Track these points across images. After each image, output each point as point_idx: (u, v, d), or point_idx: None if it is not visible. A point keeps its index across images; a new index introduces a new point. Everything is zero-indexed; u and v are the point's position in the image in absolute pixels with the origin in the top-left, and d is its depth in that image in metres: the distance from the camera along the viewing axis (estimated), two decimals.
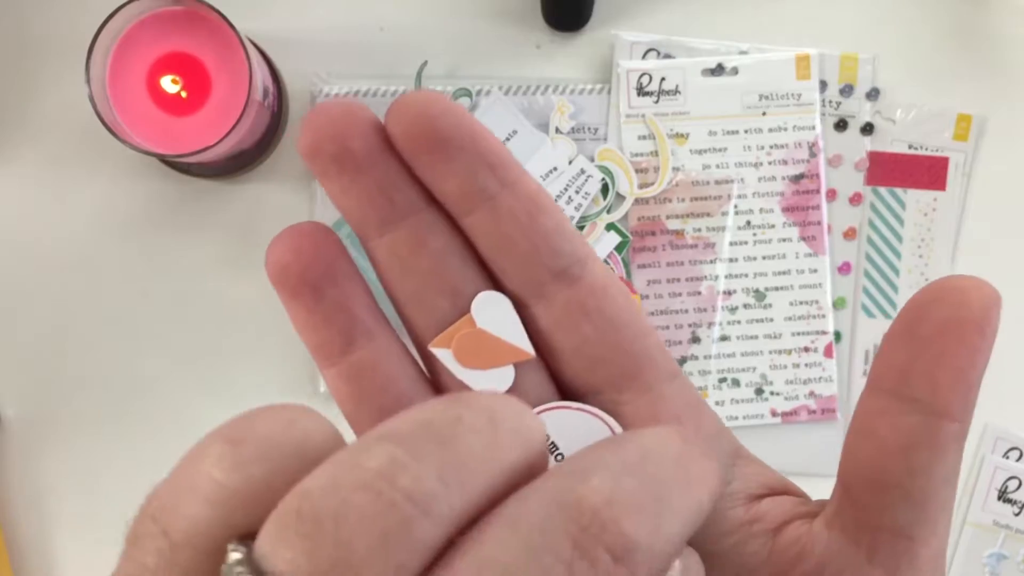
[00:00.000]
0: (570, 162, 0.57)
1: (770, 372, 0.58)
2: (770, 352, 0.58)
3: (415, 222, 0.22)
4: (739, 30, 0.59)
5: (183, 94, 0.52)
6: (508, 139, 0.57)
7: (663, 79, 0.58)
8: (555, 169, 0.57)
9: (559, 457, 0.22)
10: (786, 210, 0.58)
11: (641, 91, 0.58)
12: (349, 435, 0.22)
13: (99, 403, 0.59)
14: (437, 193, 0.22)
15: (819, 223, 0.58)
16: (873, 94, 0.59)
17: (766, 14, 0.59)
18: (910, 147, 0.59)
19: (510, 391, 0.22)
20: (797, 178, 0.58)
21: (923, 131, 0.59)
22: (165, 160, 0.57)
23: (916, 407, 0.21)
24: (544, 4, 0.58)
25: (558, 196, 0.57)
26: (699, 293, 0.58)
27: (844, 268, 0.59)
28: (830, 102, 0.58)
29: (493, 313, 0.22)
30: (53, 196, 0.58)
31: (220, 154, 0.53)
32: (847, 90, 0.58)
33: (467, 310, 0.22)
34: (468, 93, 0.57)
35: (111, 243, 0.58)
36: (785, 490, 0.23)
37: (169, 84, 0.52)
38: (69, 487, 0.59)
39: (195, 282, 0.59)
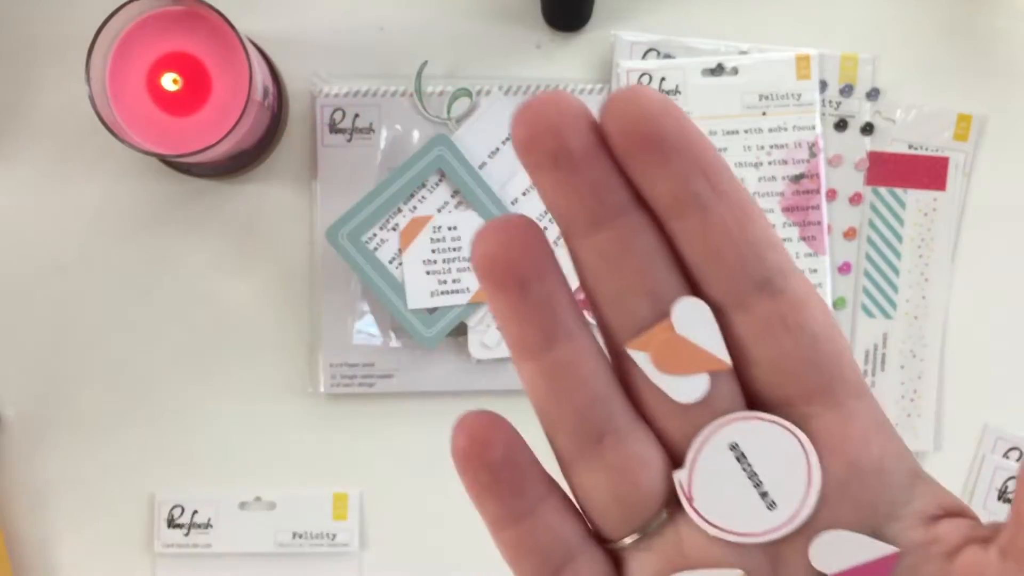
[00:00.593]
0: None
1: None
2: None
3: (624, 223, 0.22)
4: (739, 30, 0.59)
5: (179, 81, 0.52)
6: (508, 139, 0.57)
7: (663, 79, 0.58)
8: None
9: (747, 467, 0.22)
10: (786, 210, 0.58)
11: None
12: (537, 431, 0.23)
13: (99, 403, 0.59)
14: (648, 195, 0.22)
15: (819, 223, 0.58)
16: (873, 94, 0.59)
17: (766, 14, 0.59)
18: (910, 147, 0.59)
19: (704, 399, 0.22)
20: (797, 178, 0.58)
21: (923, 131, 0.59)
22: (165, 160, 0.57)
23: None
24: (544, 4, 0.58)
25: None
26: None
27: (844, 268, 0.59)
28: (830, 102, 0.58)
29: (693, 320, 0.22)
30: (53, 195, 0.58)
31: (220, 154, 0.53)
32: (847, 90, 0.58)
33: (666, 314, 0.22)
34: (468, 93, 0.57)
35: (111, 243, 0.59)
36: (961, 512, 0.23)
37: (169, 82, 0.52)
38: (69, 486, 0.59)
39: (195, 281, 0.59)
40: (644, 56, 0.58)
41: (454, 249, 0.57)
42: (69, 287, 0.59)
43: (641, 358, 0.22)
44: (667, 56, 0.58)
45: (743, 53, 0.58)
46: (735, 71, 0.58)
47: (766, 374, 0.22)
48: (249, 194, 0.59)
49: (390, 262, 0.56)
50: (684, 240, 0.22)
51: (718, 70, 0.58)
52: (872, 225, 0.59)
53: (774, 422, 0.22)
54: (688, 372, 0.22)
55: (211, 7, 0.50)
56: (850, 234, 0.59)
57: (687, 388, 0.22)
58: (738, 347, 0.22)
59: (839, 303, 0.59)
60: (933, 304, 0.59)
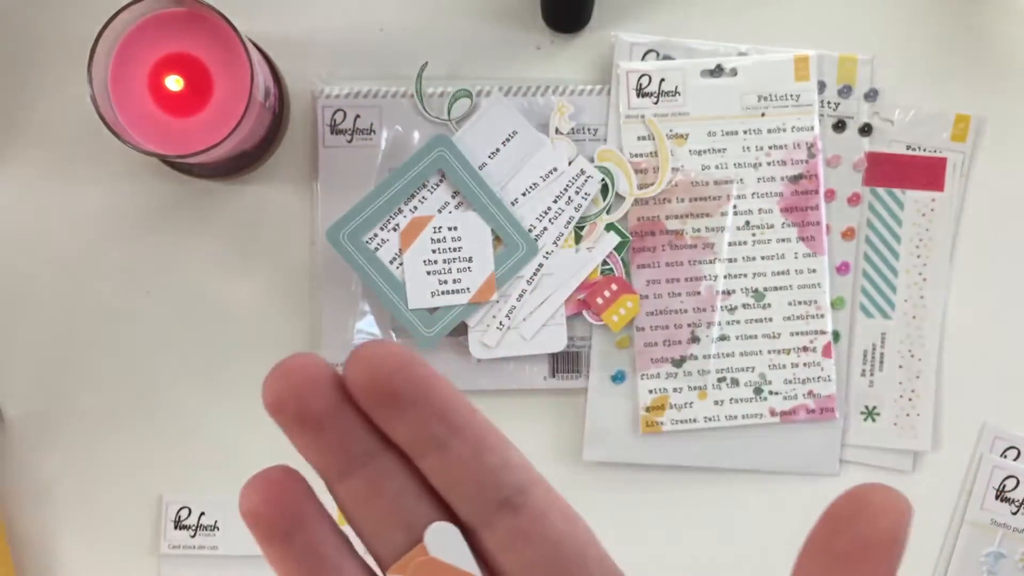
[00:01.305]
0: (570, 163, 0.58)
1: (769, 372, 0.59)
2: (769, 352, 0.59)
3: (372, 469, 0.24)
4: (738, 31, 0.59)
5: (181, 82, 0.52)
6: (508, 140, 0.57)
7: (662, 80, 0.58)
8: (555, 170, 0.57)
9: None
10: (785, 210, 0.58)
11: (641, 92, 0.58)
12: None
13: (101, 402, 0.59)
14: (392, 439, 0.24)
15: (818, 223, 0.58)
16: (871, 95, 0.59)
17: (765, 15, 0.59)
18: (908, 148, 0.59)
19: None
20: (796, 178, 0.58)
21: (921, 132, 0.59)
22: (167, 161, 0.58)
23: None
24: (544, 5, 0.58)
25: (557, 197, 0.58)
26: (698, 293, 0.58)
27: (843, 268, 0.59)
28: (829, 103, 0.59)
29: (444, 541, 0.24)
30: (55, 196, 0.58)
31: (221, 155, 0.53)
32: (845, 91, 0.59)
33: (421, 540, 0.24)
34: (468, 94, 0.58)
35: (113, 243, 0.59)
36: None
37: (171, 83, 0.52)
38: (71, 486, 0.59)
39: (196, 282, 0.59)
40: (644, 57, 0.58)
41: (454, 249, 0.57)
42: (71, 287, 0.59)
43: None
44: (667, 57, 0.58)
45: (742, 54, 0.58)
46: (734, 72, 0.58)
47: None
48: (250, 195, 0.59)
49: (391, 262, 0.57)
50: (429, 473, 0.24)
51: (717, 71, 0.58)
52: (870, 225, 0.59)
53: None
54: None
55: (213, 8, 0.50)
56: (848, 234, 0.59)
57: None
58: (489, 561, 0.25)
59: (838, 303, 0.59)
60: (931, 304, 0.59)
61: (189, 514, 0.58)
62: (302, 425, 0.24)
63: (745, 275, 0.58)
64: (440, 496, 0.25)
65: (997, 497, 0.59)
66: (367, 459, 0.24)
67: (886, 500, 0.22)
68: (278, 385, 0.23)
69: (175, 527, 0.58)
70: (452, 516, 0.25)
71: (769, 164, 0.58)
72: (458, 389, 0.24)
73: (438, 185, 0.57)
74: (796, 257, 0.58)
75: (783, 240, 0.58)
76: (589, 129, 0.58)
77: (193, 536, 0.58)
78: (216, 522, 0.58)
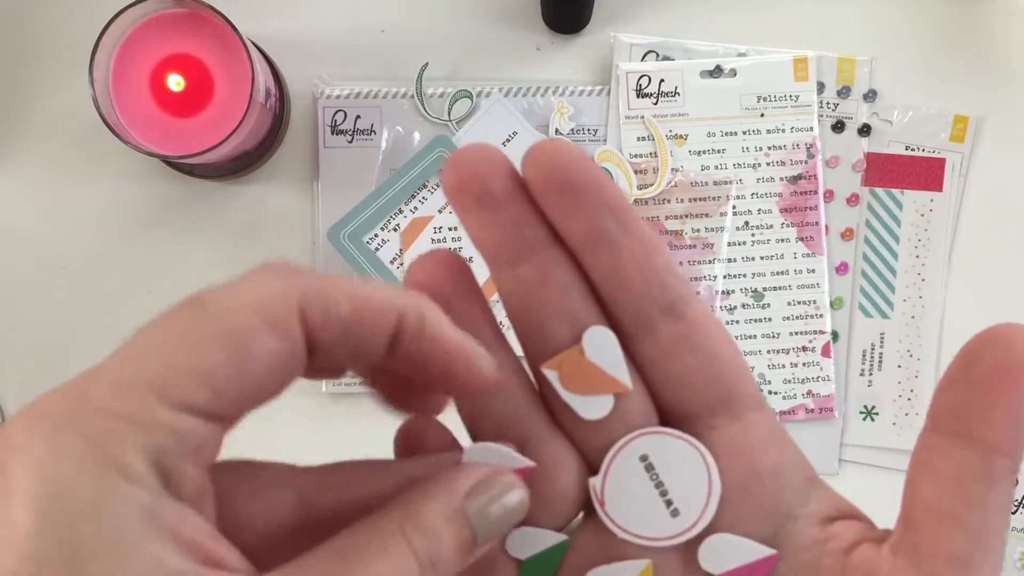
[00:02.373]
0: None
1: (768, 371, 0.59)
2: (768, 351, 0.59)
3: (543, 257, 0.24)
4: (737, 32, 0.59)
5: (182, 83, 0.52)
6: (508, 140, 0.57)
7: (662, 81, 0.58)
8: None
9: (654, 477, 0.25)
10: (784, 211, 0.59)
11: (640, 93, 0.58)
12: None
13: None
14: (563, 232, 0.24)
15: (817, 223, 0.59)
16: (870, 96, 0.59)
17: (764, 16, 0.59)
18: (907, 148, 0.59)
19: (611, 415, 0.25)
20: (795, 179, 0.58)
21: (920, 132, 0.59)
22: (168, 161, 0.58)
23: (971, 444, 0.23)
24: (544, 6, 0.58)
25: None
26: (698, 293, 0.59)
27: (842, 268, 0.59)
28: (828, 103, 0.59)
29: (601, 346, 0.24)
30: (57, 197, 0.59)
31: (222, 155, 0.53)
32: (844, 92, 0.59)
33: (579, 339, 0.24)
34: (468, 95, 0.58)
35: (114, 243, 0.59)
36: (855, 515, 0.25)
37: (172, 84, 0.52)
38: None
39: (197, 282, 0.59)
40: (643, 58, 0.59)
41: (455, 250, 0.57)
42: (72, 287, 0.59)
43: (552, 376, 0.25)
44: (666, 58, 0.59)
45: (741, 55, 0.59)
46: (733, 73, 0.58)
47: (674, 390, 0.25)
48: (251, 195, 0.59)
49: (391, 262, 0.57)
50: (596, 271, 0.24)
51: (717, 72, 0.58)
52: (869, 225, 0.59)
53: (679, 437, 0.25)
54: (592, 392, 0.25)
55: (214, 9, 0.50)
56: (847, 234, 0.59)
57: (592, 406, 0.25)
58: (647, 366, 0.25)
59: (837, 303, 0.59)
60: (930, 304, 0.59)
61: None
62: (481, 204, 0.24)
63: (744, 275, 0.59)
64: (604, 300, 0.25)
65: None
66: (539, 247, 0.24)
67: (1021, 333, 0.23)
68: (459, 166, 0.24)
69: None
70: (613, 320, 0.25)
71: (768, 164, 0.58)
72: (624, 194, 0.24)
73: (439, 185, 0.57)
74: (795, 257, 0.59)
75: (782, 240, 0.59)
76: (589, 130, 0.58)
77: None
78: None
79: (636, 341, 0.25)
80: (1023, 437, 0.23)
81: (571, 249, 0.24)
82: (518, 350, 0.26)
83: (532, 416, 0.25)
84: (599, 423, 0.25)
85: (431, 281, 0.25)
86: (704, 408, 0.25)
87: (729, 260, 0.59)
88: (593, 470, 0.25)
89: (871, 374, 0.59)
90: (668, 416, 0.25)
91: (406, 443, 0.27)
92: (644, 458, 0.25)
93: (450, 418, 0.26)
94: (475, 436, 0.26)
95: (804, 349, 0.59)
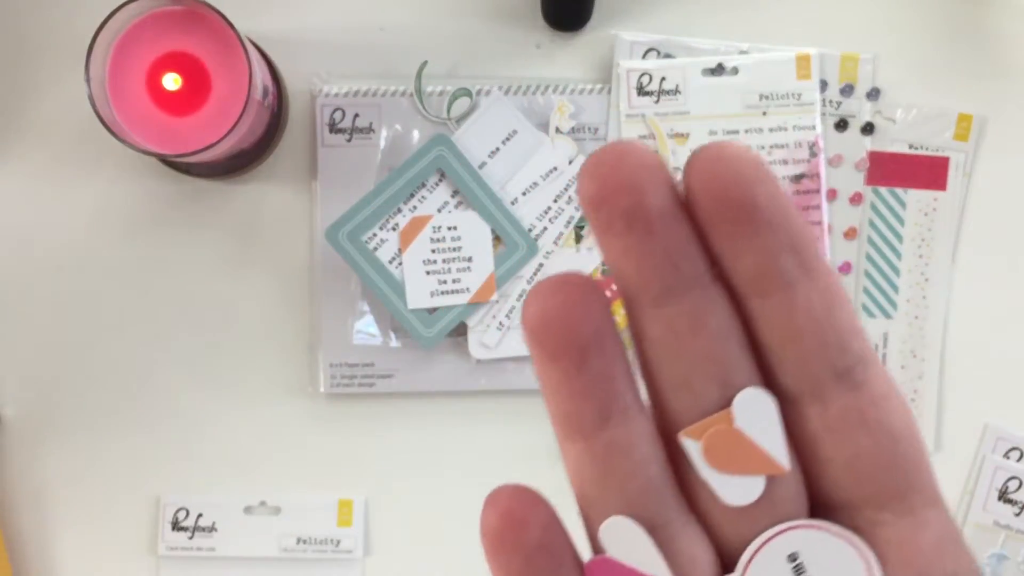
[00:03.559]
0: (570, 162, 0.57)
1: None
2: None
3: (699, 297, 0.19)
4: (739, 30, 0.59)
5: (179, 81, 0.52)
6: (508, 139, 0.57)
7: (663, 79, 0.58)
8: (555, 169, 0.57)
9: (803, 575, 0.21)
10: None
11: (641, 91, 0.58)
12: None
13: (99, 402, 0.59)
14: (728, 267, 0.19)
15: (820, 223, 0.58)
16: (873, 94, 0.59)
17: (766, 14, 0.59)
18: (910, 147, 0.59)
19: (758, 502, 0.20)
20: (798, 178, 0.58)
21: (923, 131, 0.59)
22: (165, 160, 0.57)
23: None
24: (544, 4, 0.57)
25: (557, 196, 0.57)
26: None
27: (845, 268, 0.59)
28: (830, 102, 0.58)
29: (756, 414, 0.20)
30: (53, 196, 0.58)
31: (220, 154, 0.53)
32: (847, 90, 0.58)
33: (731, 403, 0.20)
34: (468, 93, 0.57)
35: (111, 243, 0.58)
36: None
37: (169, 82, 0.52)
38: (70, 487, 0.59)
39: (195, 282, 0.59)
40: (644, 56, 0.58)
41: (454, 249, 0.57)
42: (69, 287, 0.58)
43: (693, 447, 0.20)
44: (667, 56, 0.58)
45: (743, 53, 0.58)
46: (735, 71, 0.58)
47: (837, 474, 0.20)
48: (249, 194, 0.59)
49: (390, 262, 0.56)
50: (764, 320, 0.20)
51: (718, 70, 0.58)
52: (872, 225, 0.59)
53: (839, 535, 0.20)
54: (741, 472, 0.20)
55: (211, 7, 0.50)
56: (850, 234, 0.59)
57: (738, 489, 0.20)
58: (809, 442, 0.20)
59: None
60: (933, 304, 0.59)
61: (187, 515, 0.58)
62: (629, 224, 0.19)
63: None
64: (767, 355, 0.20)
65: (1000, 499, 0.59)
66: (695, 284, 0.19)
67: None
68: (606, 170, 0.18)
69: (173, 528, 0.58)
70: (776, 382, 0.20)
71: (771, 163, 0.58)
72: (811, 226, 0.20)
73: (437, 184, 0.57)
74: None
75: None
76: (589, 128, 0.58)
77: (191, 538, 0.58)
78: (214, 523, 0.58)
79: (800, 411, 0.20)
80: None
81: (734, 290, 0.20)
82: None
83: (664, 499, 0.20)
84: (743, 510, 0.20)
85: (563, 320, 0.19)
86: (871, 499, 0.20)
87: None
88: (727, 567, 0.21)
89: None
90: (824, 503, 0.21)
91: (504, 526, 0.21)
92: (793, 557, 0.21)
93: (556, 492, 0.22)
94: (594, 520, 0.21)
95: None
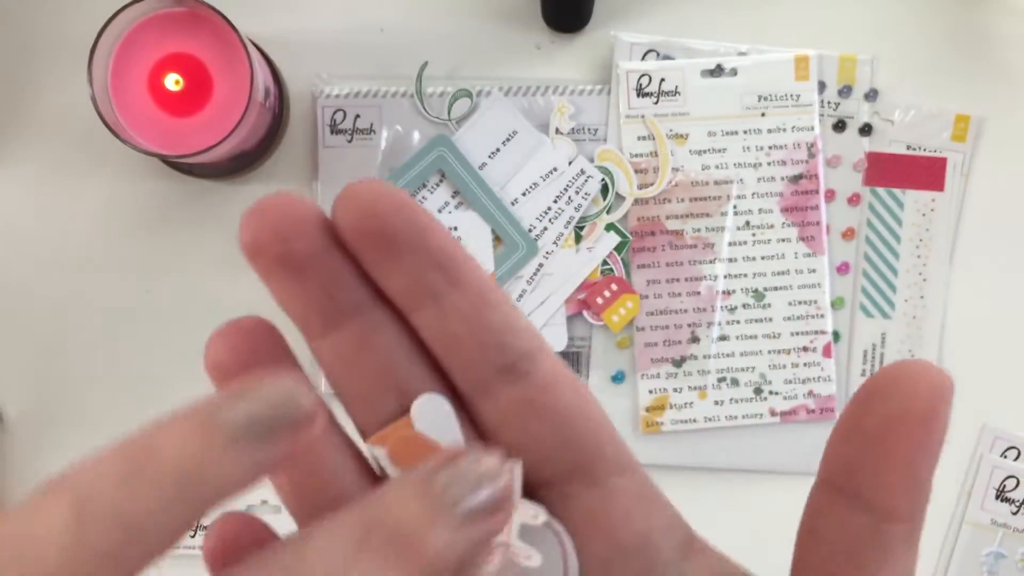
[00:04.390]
0: (570, 163, 0.58)
1: (769, 372, 0.59)
2: (769, 352, 0.59)
3: (361, 322, 0.22)
4: (738, 31, 0.59)
5: (181, 82, 0.52)
6: (508, 140, 0.57)
7: (663, 80, 0.58)
8: (555, 169, 0.57)
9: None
10: (785, 210, 0.58)
11: (641, 92, 0.58)
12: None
13: (101, 402, 0.59)
14: (384, 289, 0.21)
15: (818, 223, 0.58)
16: (871, 95, 0.59)
17: (765, 15, 0.59)
18: (908, 148, 0.59)
19: None
20: (796, 178, 0.58)
21: (921, 132, 0.59)
22: (167, 161, 0.58)
23: (863, 506, 0.20)
24: (544, 5, 0.58)
25: (557, 197, 0.58)
26: (698, 293, 0.58)
27: (843, 268, 0.59)
28: (829, 103, 0.59)
29: (432, 416, 0.22)
30: (55, 196, 0.58)
31: (221, 155, 0.53)
32: (846, 91, 0.59)
33: (410, 409, 0.22)
34: (468, 94, 0.58)
35: (113, 243, 0.59)
36: None
37: (171, 83, 0.52)
38: None
39: (197, 282, 0.59)
40: (644, 57, 0.58)
41: None
42: (71, 287, 0.59)
43: (380, 454, 0.22)
44: (666, 57, 0.58)
45: (742, 54, 0.58)
46: (734, 72, 0.58)
47: (524, 458, 0.22)
48: (250, 195, 0.59)
49: None
50: (425, 331, 0.22)
51: (717, 71, 0.58)
52: (870, 225, 0.59)
53: (535, 520, 0.22)
54: None
55: (213, 8, 0.50)
56: (849, 234, 0.59)
57: None
58: (492, 434, 0.22)
59: (837, 303, 0.59)
60: (931, 304, 0.59)
61: None
62: (283, 268, 0.21)
63: (745, 275, 0.58)
64: (436, 359, 0.22)
65: (997, 497, 0.59)
66: (356, 311, 0.21)
67: (924, 374, 0.20)
68: (256, 223, 0.21)
69: None
70: (448, 383, 0.22)
71: (769, 164, 0.58)
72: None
73: (438, 185, 0.57)
74: (796, 257, 0.58)
75: (783, 240, 0.58)
76: (589, 129, 0.58)
77: (193, 536, 0.58)
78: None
79: (476, 407, 0.22)
80: (922, 499, 0.20)
81: (396, 308, 0.22)
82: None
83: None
84: None
85: (235, 362, 0.22)
86: (557, 477, 0.22)
87: (730, 260, 0.58)
88: None
89: (872, 374, 0.59)
90: (529, 485, 0.22)
91: (222, 548, 0.23)
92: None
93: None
94: (351, 403, 0.23)
95: (805, 349, 0.59)
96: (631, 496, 0.22)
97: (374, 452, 0.22)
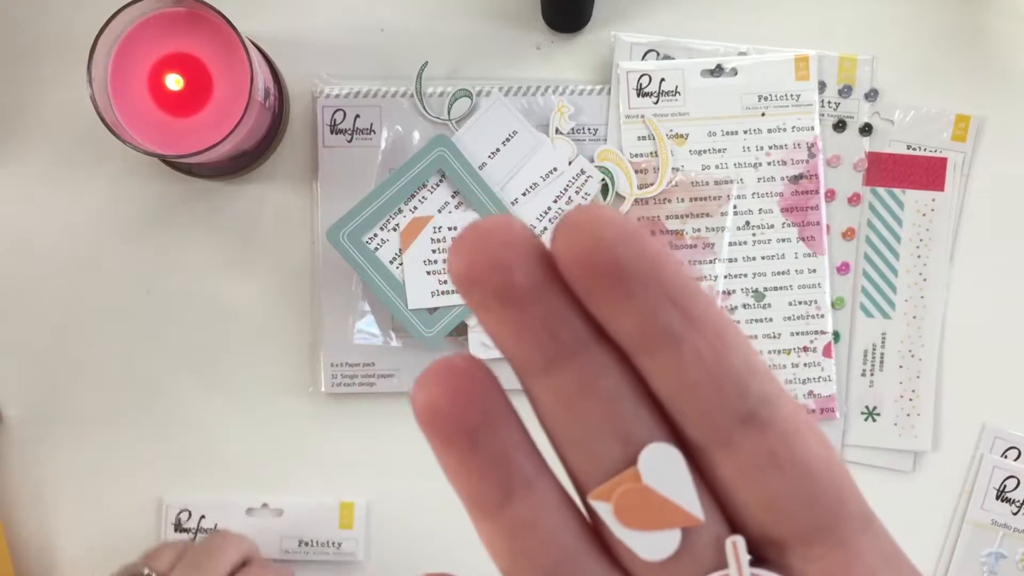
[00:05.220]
0: (570, 163, 0.58)
1: None
2: (769, 352, 0.58)
3: (584, 361, 0.20)
4: (738, 31, 0.59)
5: (181, 82, 0.52)
6: (508, 140, 0.57)
7: (663, 80, 0.58)
8: (555, 170, 0.57)
9: None
10: (785, 210, 0.58)
11: (641, 92, 0.58)
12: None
13: (101, 402, 0.59)
14: (610, 330, 0.19)
15: (818, 223, 0.58)
16: (872, 95, 0.59)
17: (765, 15, 0.59)
18: (908, 148, 0.59)
19: (679, 554, 0.20)
20: (796, 178, 0.58)
21: (921, 132, 0.59)
22: (166, 160, 0.58)
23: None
24: (544, 5, 0.58)
25: (557, 197, 0.58)
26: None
27: (843, 268, 0.59)
28: (829, 103, 0.59)
29: (663, 468, 0.20)
30: (55, 196, 0.58)
31: (221, 154, 0.53)
32: (846, 91, 0.59)
33: (636, 459, 0.20)
34: (468, 94, 0.58)
35: (113, 243, 0.59)
36: None
37: (171, 83, 0.52)
38: (71, 486, 0.59)
39: (196, 282, 0.59)
40: (644, 57, 0.58)
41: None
42: (71, 287, 0.59)
43: (604, 509, 0.20)
44: (667, 57, 0.58)
45: (742, 54, 0.58)
46: (734, 72, 0.58)
47: (759, 516, 0.20)
48: (250, 195, 0.59)
49: (391, 262, 0.57)
50: (655, 376, 0.20)
51: (717, 71, 0.58)
52: (871, 225, 0.59)
53: None
54: (656, 527, 0.20)
55: (213, 8, 0.50)
56: (849, 234, 0.59)
57: (655, 544, 0.20)
58: (725, 489, 0.20)
59: (838, 303, 0.59)
60: (931, 304, 0.59)
61: (189, 517, 0.58)
62: (502, 301, 0.19)
63: (745, 275, 0.58)
64: (665, 406, 0.20)
65: (998, 497, 0.59)
66: (578, 350, 0.19)
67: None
68: (472, 250, 0.19)
69: (175, 530, 0.58)
70: (677, 432, 0.20)
71: (769, 164, 0.58)
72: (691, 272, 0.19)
73: (438, 185, 0.57)
74: (796, 257, 0.58)
75: (783, 240, 0.58)
76: (589, 129, 0.58)
77: (194, 539, 0.58)
78: (216, 525, 0.58)
79: (709, 459, 0.20)
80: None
81: (622, 347, 0.20)
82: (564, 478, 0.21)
83: (583, 560, 0.20)
84: (664, 564, 0.20)
85: (453, 405, 0.19)
86: (797, 536, 0.20)
87: (730, 260, 0.58)
88: None
89: (872, 374, 0.59)
90: (752, 546, 0.21)
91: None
92: None
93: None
94: None
95: (805, 349, 0.59)
96: (877, 557, 0.20)
97: (597, 506, 0.20)
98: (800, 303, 0.58)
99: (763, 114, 0.58)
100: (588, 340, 0.19)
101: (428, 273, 0.57)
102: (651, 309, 0.19)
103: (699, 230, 0.58)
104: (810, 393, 0.59)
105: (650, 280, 0.18)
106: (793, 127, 0.58)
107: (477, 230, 0.19)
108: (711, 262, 0.58)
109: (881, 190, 0.59)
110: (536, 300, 0.19)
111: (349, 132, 0.58)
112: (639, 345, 0.19)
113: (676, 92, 0.58)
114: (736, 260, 0.58)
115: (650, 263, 0.18)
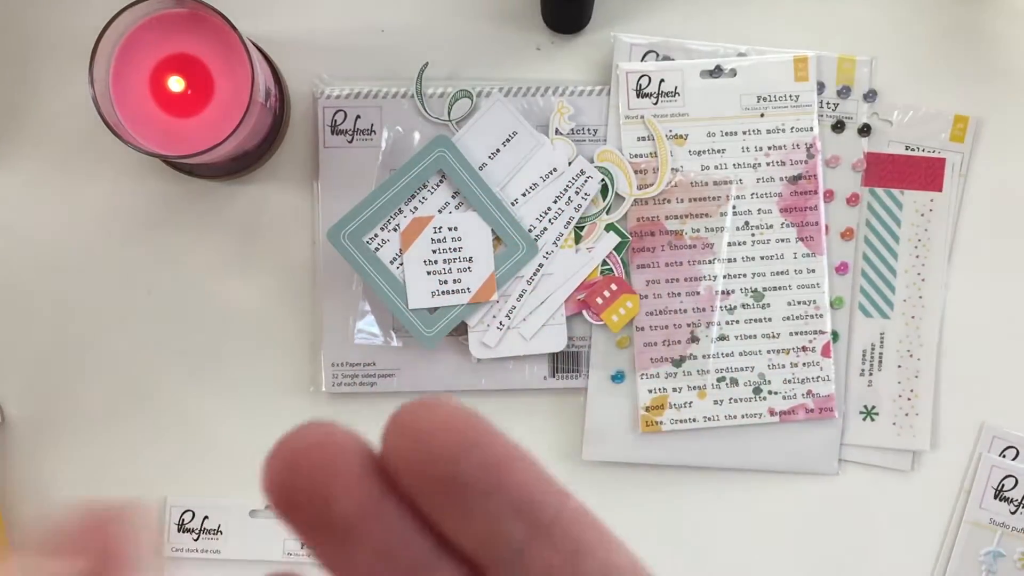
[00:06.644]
0: (570, 163, 0.58)
1: (768, 371, 0.59)
2: (768, 352, 0.59)
3: None
4: (737, 32, 0.59)
5: (182, 83, 0.52)
6: (508, 140, 0.57)
7: (662, 81, 0.58)
8: (555, 170, 0.58)
9: None
10: (784, 211, 0.59)
11: (640, 93, 0.58)
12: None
13: (101, 402, 0.59)
14: (456, 544, 0.17)
15: (817, 223, 0.59)
16: (870, 96, 0.59)
17: (764, 16, 0.59)
18: (907, 148, 0.59)
19: None
20: (795, 179, 0.58)
21: (920, 132, 0.59)
22: (168, 161, 0.58)
23: None
24: (544, 6, 0.58)
25: (557, 197, 0.58)
26: (698, 293, 0.59)
27: (841, 268, 0.59)
28: (828, 103, 0.59)
29: None
30: (56, 197, 0.59)
31: (222, 155, 0.53)
32: (845, 92, 0.59)
33: None
34: (468, 94, 0.58)
35: (114, 243, 0.59)
36: None
37: (172, 84, 0.52)
38: (72, 485, 0.59)
39: (197, 282, 0.59)
40: (643, 58, 0.59)
41: (455, 250, 0.57)
42: (72, 287, 0.59)
43: None
44: (666, 58, 0.59)
45: (741, 55, 0.59)
46: (733, 73, 0.58)
47: None
48: (251, 195, 0.59)
49: (391, 262, 0.57)
50: None
51: (717, 72, 0.58)
52: (869, 225, 0.59)
53: None
54: None
55: (214, 9, 0.50)
56: (847, 234, 0.59)
57: None
58: None
59: (837, 303, 0.59)
60: (930, 304, 0.59)
61: (193, 517, 0.58)
62: (327, 532, 0.16)
63: (744, 275, 0.59)
64: None
65: (996, 496, 0.59)
66: (419, 569, 0.17)
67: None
68: (286, 474, 0.16)
69: (178, 530, 0.58)
70: None
71: (768, 164, 0.58)
72: (540, 463, 0.17)
73: (438, 185, 0.57)
74: (795, 257, 0.59)
75: (782, 240, 0.59)
76: (589, 129, 0.58)
77: (196, 540, 0.58)
78: (219, 526, 0.58)
79: None
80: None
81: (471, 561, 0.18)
82: None
83: None
84: None
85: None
86: None
87: (729, 260, 0.59)
88: None
89: (871, 374, 0.59)
90: None
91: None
92: None
93: None
94: None
95: (804, 349, 0.59)
96: None
97: None
98: (799, 303, 0.59)
99: (762, 115, 0.58)
100: (432, 559, 0.17)
101: (428, 273, 0.57)
102: (494, 521, 0.16)
103: (698, 230, 0.58)
104: (809, 393, 0.59)
105: (495, 490, 0.16)
106: (792, 128, 0.58)
107: (288, 445, 0.16)
108: (710, 262, 0.58)
109: (880, 190, 0.59)
110: (367, 525, 0.16)
111: (350, 133, 0.58)
112: (486, 557, 0.17)
113: (675, 93, 0.58)
114: (735, 260, 0.59)
115: (497, 471, 0.16)
